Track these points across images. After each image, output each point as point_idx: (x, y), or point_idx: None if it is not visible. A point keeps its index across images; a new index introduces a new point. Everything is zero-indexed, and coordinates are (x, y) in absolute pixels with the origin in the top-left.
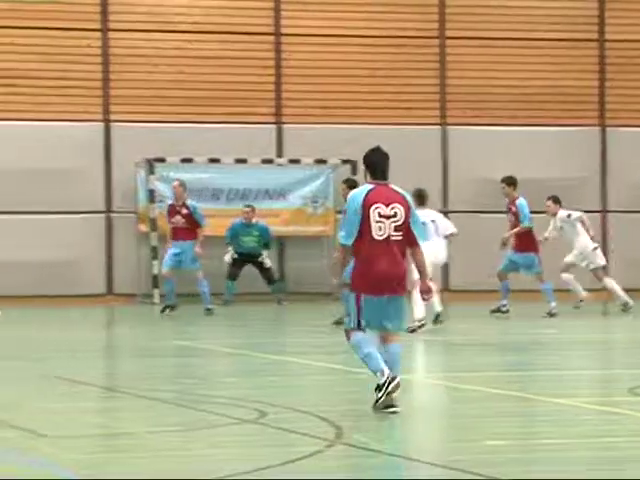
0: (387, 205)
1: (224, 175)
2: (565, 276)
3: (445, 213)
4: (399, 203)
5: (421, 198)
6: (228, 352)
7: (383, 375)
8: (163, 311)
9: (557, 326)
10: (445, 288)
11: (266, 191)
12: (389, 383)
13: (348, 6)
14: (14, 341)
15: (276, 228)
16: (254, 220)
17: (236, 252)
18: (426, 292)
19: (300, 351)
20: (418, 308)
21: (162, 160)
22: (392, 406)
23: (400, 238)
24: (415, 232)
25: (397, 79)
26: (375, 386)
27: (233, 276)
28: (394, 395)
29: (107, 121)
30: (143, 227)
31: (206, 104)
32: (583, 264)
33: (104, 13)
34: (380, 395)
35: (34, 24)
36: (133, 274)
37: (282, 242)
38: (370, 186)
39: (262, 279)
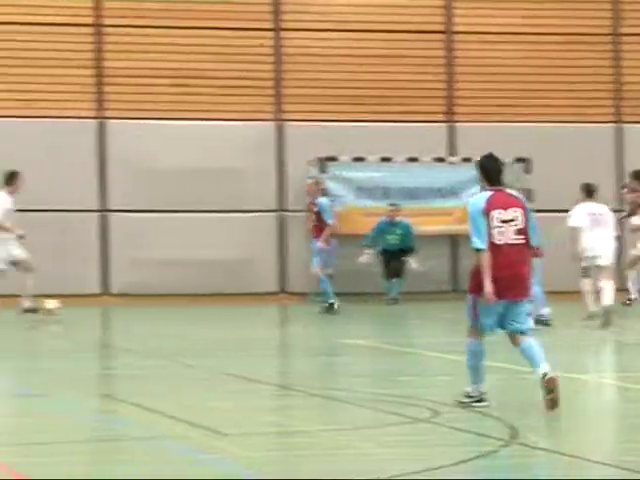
0: (506, 210)
1: (395, 174)
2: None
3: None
4: (517, 207)
5: (589, 192)
6: (397, 350)
7: (477, 390)
8: (327, 311)
9: None
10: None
11: (438, 190)
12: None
13: (520, 3)
14: (191, 340)
15: (449, 227)
16: (398, 219)
17: (382, 250)
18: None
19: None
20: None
21: (334, 159)
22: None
23: (521, 241)
24: (531, 235)
25: (570, 77)
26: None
27: (390, 275)
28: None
29: (280, 120)
30: None
31: (378, 103)
32: None
33: (276, 13)
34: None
35: (207, 24)
36: (305, 273)
37: (455, 241)
38: (489, 193)
39: (390, 270)
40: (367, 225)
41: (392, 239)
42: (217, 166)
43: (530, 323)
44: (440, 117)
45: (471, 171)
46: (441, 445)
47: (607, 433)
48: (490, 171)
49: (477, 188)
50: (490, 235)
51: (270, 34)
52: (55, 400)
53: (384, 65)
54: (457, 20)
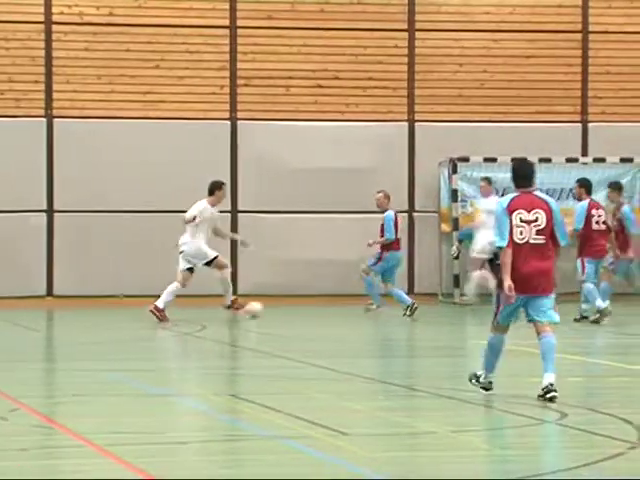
0: (529, 211)
1: None
2: None
3: None
4: (541, 209)
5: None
6: (527, 351)
7: (486, 377)
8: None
9: None
10: None
11: (570, 190)
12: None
13: None
14: (321, 341)
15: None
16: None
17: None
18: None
19: (600, 352)
20: None
21: (466, 159)
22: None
23: (542, 241)
24: (557, 235)
25: None
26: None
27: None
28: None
29: (411, 121)
30: (445, 227)
31: (510, 103)
32: None
33: (411, 13)
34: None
35: (341, 25)
36: (434, 273)
37: None
38: (515, 194)
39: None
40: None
41: None
42: (349, 167)
43: (555, 317)
44: (574, 117)
45: (603, 171)
46: (568, 447)
47: None
48: (517, 174)
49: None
50: (512, 234)
51: (404, 35)
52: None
53: (517, 65)
54: (592, 20)
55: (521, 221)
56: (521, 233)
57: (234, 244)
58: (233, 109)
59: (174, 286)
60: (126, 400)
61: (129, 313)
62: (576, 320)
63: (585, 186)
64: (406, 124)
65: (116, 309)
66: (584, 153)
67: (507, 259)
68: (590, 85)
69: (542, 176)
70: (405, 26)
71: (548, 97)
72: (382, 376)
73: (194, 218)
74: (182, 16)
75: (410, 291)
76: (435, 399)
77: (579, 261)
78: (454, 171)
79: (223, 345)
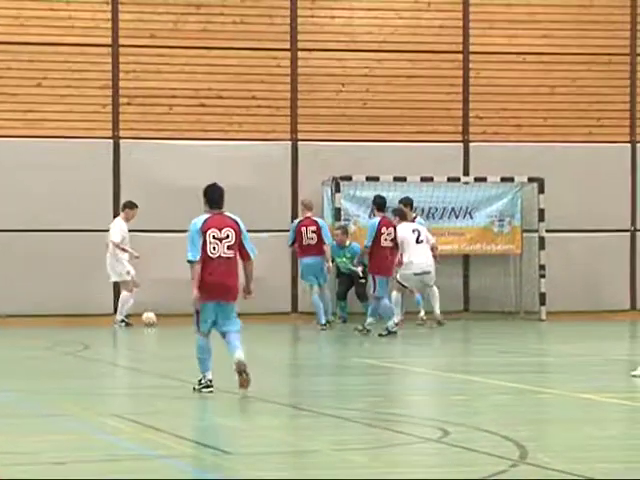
0: (220, 229)
1: (409, 193)
2: None
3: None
4: (231, 227)
5: None
6: (410, 370)
7: (205, 377)
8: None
9: None
10: None
11: (452, 210)
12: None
13: (536, 24)
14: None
15: (461, 247)
16: (347, 242)
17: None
18: (248, 293)
19: (482, 370)
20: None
21: (348, 178)
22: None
23: (232, 255)
24: (247, 249)
25: (586, 97)
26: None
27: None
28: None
29: (295, 140)
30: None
31: (392, 122)
32: None
33: (293, 33)
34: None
35: (224, 45)
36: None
37: (467, 261)
38: (208, 215)
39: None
40: None
41: (341, 262)
42: (232, 185)
43: (238, 325)
44: (455, 137)
45: (485, 191)
46: (450, 465)
47: (620, 453)
48: (209, 198)
49: (492, 207)
50: (206, 250)
51: (287, 54)
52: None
53: (399, 85)
54: (473, 40)
55: (214, 238)
56: (214, 249)
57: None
58: (116, 128)
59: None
60: (4, 421)
61: (11, 333)
62: (380, 335)
63: (378, 204)
64: (289, 143)
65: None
66: (465, 172)
67: (197, 272)
68: (471, 105)
69: (424, 195)
70: (288, 45)
71: (430, 117)
72: (265, 395)
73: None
74: (64, 34)
75: (294, 309)
76: (318, 417)
77: (370, 277)
78: (337, 190)
79: (105, 364)
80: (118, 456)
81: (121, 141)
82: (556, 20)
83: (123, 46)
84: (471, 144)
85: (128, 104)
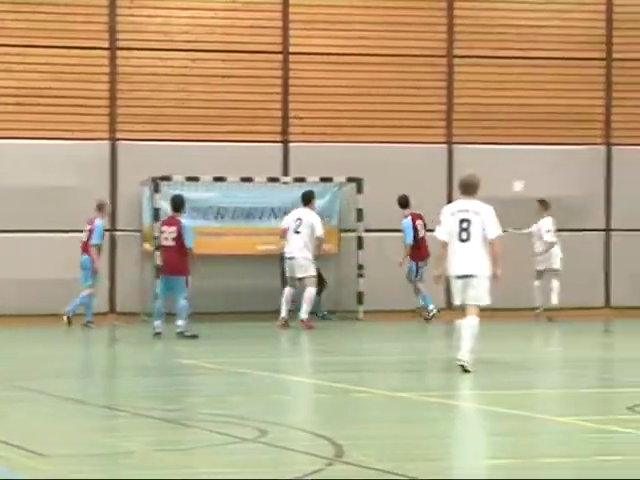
0: (169, 226)
1: (230, 193)
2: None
3: None
4: (174, 226)
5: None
6: (231, 371)
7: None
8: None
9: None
10: None
11: (272, 209)
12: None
13: (355, 25)
14: (15, 361)
15: (281, 246)
16: None
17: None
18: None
19: (300, 370)
20: None
21: (168, 179)
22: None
23: (173, 245)
24: (185, 242)
25: (404, 97)
26: None
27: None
28: None
29: (113, 139)
30: (147, 246)
31: (212, 122)
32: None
33: (112, 32)
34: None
35: (43, 43)
36: (136, 293)
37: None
38: (165, 217)
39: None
40: (203, 245)
41: None
42: (52, 185)
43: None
44: (275, 137)
45: (304, 191)
46: (267, 465)
47: (437, 450)
48: (175, 203)
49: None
50: (162, 240)
51: (105, 53)
52: None
53: (217, 85)
54: (293, 41)
55: (165, 232)
56: (165, 240)
57: None
58: None
59: None
60: None
61: None
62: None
63: (401, 204)
64: (108, 143)
65: None
66: (285, 173)
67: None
68: (291, 105)
69: (244, 195)
70: (107, 44)
71: (249, 117)
72: (82, 396)
73: None
74: None
75: (112, 310)
76: (135, 419)
77: (414, 265)
78: (156, 190)
79: None
80: None
81: None
82: (374, 22)
83: None
84: (290, 144)
85: None
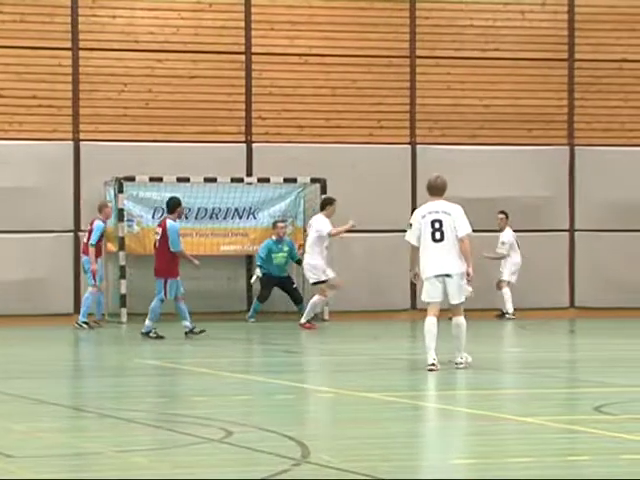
0: (159, 227)
1: (193, 194)
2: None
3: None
4: (161, 227)
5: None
6: (194, 371)
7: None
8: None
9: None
10: None
11: (235, 210)
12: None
13: (318, 25)
14: None
15: (245, 247)
16: (285, 236)
17: (264, 273)
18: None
19: (265, 370)
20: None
21: (131, 179)
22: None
23: (158, 246)
24: (169, 244)
25: (367, 98)
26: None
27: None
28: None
29: (77, 140)
30: (112, 246)
31: (176, 123)
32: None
33: (75, 32)
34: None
35: (4, 43)
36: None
37: (250, 261)
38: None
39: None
40: None
41: (281, 257)
42: (14, 186)
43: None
44: (238, 137)
45: (268, 191)
46: (233, 465)
47: (404, 451)
48: (168, 204)
49: (275, 208)
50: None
51: (68, 53)
52: None
53: (181, 85)
54: (255, 42)
55: (157, 234)
56: (157, 241)
57: None
58: None
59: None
60: None
61: None
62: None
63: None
64: (71, 143)
65: None
66: (249, 173)
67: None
68: (254, 106)
69: (207, 196)
70: (69, 45)
71: (212, 117)
72: (47, 397)
73: None
74: None
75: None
76: (100, 419)
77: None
78: (120, 190)
79: None
80: None
81: None
82: (337, 22)
83: None
84: (254, 145)
85: None
